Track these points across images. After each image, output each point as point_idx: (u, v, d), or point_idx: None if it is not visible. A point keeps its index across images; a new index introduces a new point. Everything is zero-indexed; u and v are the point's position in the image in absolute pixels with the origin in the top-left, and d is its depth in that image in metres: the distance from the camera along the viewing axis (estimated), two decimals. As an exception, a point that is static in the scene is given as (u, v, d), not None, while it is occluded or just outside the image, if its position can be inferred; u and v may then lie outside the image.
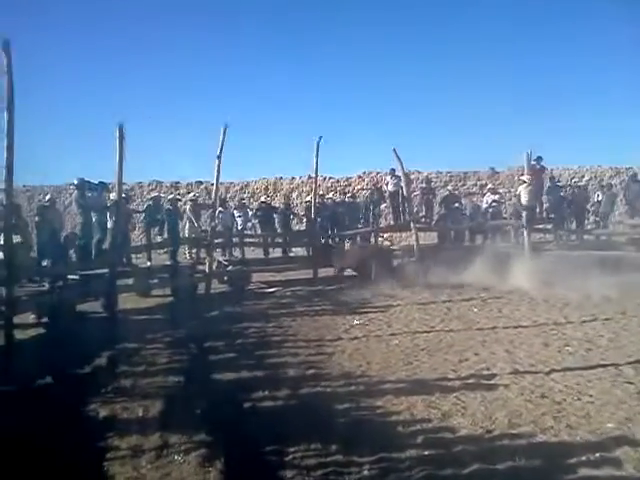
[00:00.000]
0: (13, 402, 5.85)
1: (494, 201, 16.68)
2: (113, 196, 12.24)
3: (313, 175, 16.00)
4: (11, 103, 6.89)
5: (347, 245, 16.23)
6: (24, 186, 23.80)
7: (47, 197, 15.37)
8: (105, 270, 10.52)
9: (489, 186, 19.24)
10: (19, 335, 7.80)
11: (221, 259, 14.10)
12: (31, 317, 9.38)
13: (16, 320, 7.75)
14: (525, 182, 14.61)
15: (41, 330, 9.17)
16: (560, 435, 4.74)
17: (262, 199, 18.29)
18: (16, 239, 9.59)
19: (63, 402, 5.74)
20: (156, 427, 5.07)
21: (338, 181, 24.55)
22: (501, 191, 19.73)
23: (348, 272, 14.48)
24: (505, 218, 17.14)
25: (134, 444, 4.74)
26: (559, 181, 18.58)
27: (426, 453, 4.45)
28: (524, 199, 14.44)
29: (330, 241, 16.60)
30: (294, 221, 17.47)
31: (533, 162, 15.49)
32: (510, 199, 19.80)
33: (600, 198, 17.40)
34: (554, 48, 51.90)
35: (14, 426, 5.02)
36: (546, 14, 49.95)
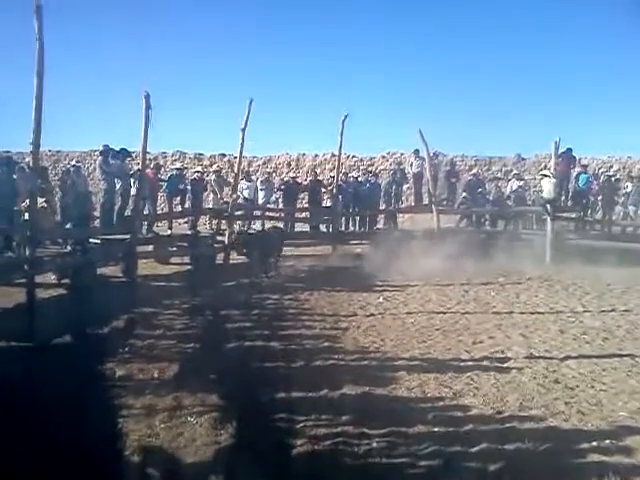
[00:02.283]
0: (33, 357, 6.00)
1: (519, 187, 16.49)
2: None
3: (337, 152, 15.94)
4: (41, 68, 6.93)
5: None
6: (50, 150, 24.02)
7: (73, 162, 15.59)
8: (126, 236, 10.64)
9: (514, 172, 18.97)
10: (40, 294, 7.93)
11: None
12: (52, 277, 9.55)
13: (38, 280, 7.87)
14: (548, 176, 14.34)
15: (62, 291, 9.33)
16: (571, 420, 4.73)
17: (290, 174, 18.32)
18: (41, 202, 9.76)
19: (81, 360, 5.86)
20: (170, 389, 5.16)
21: (361, 160, 24.34)
22: (526, 177, 19.44)
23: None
24: (528, 205, 16.93)
25: (148, 404, 4.85)
26: (588, 170, 18.19)
27: (436, 430, 4.47)
28: (546, 192, 14.21)
29: (350, 220, 16.61)
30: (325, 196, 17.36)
31: (562, 152, 15.22)
32: (535, 186, 19.55)
33: (629, 189, 17.09)
34: (589, 32, 50.35)
35: (33, 380, 5.16)
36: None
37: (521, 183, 16.87)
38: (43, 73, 6.97)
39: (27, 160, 13.05)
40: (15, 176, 11.41)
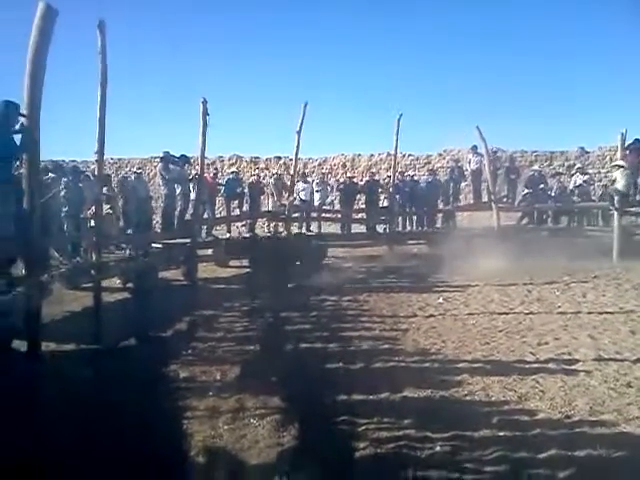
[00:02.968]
0: (101, 360, 6.21)
1: (584, 181, 15.90)
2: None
3: (392, 152, 15.84)
4: (104, 80, 7.20)
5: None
6: (112, 158, 24.85)
7: (135, 169, 16.07)
8: (186, 240, 10.89)
9: (577, 166, 18.34)
10: (106, 298, 8.19)
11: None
12: (117, 282, 9.86)
13: (104, 284, 8.14)
14: (621, 166, 13.74)
15: (126, 294, 9.64)
16: (646, 426, 4.51)
17: (346, 175, 18.31)
18: (106, 208, 10.12)
19: (146, 362, 6.04)
20: (233, 391, 5.23)
21: (417, 158, 24.13)
22: (590, 171, 18.77)
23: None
24: (593, 200, 16.33)
25: (212, 405, 4.93)
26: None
27: (501, 434, 4.35)
28: (620, 184, 13.60)
29: (407, 219, 16.46)
30: (382, 196, 17.25)
31: (629, 143, 14.58)
32: (600, 180, 18.85)
33: None
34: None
35: (101, 382, 5.34)
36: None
37: (585, 177, 16.27)
38: (106, 85, 7.23)
39: (92, 168, 13.55)
40: (81, 184, 11.87)
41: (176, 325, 7.84)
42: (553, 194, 16.18)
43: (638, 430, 4.43)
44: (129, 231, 12.99)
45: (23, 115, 6.05)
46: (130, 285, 9.98)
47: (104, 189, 9.88)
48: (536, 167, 18.08)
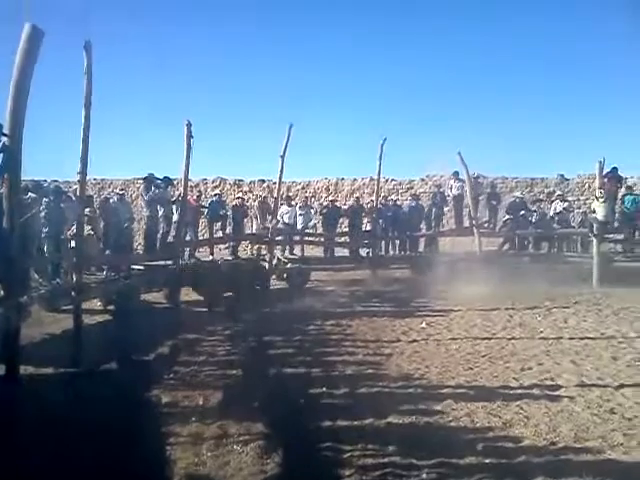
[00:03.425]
0: (80, 383, 6.08)
1: (564, 208, 16.10)
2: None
3: (375, 177, 15.93)
4: (89, 101, 7.17)
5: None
6: (95, 179, 24.66)
7: (118, 190, 15.97)
8: (169, 262, 10.79)
9: (557, 193, 18.61)
10: (87, 320, 8.07)
11: (281, 256, 14.21)
12: (98, 304, 9.73)
13: (84, 306, 8.02)
14: (600, 197, 13.97)
15: (107, 317, 9.50)
16: (631, 453, 4.49)
17: (329, 199, 18.34)
18: (87, 229, 10.00)
19: (127, 386, 5.92)
20: (216, 416, 5.15)
21: (400, 183, 24.33)
22: (570, 199, 19.05)
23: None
24: (573, 226, 16.54)
25: (194, 431, 4.84)
26: (635, 190, 17.69)
27: (487, 461, 4.32)
28: (600, 215, 13.83)
29: (390, 243, 16.51)
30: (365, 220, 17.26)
31: (607, 172, 14.86)
32: (579, 207, 19.11)
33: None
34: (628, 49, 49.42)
35: (81, 407, 5.22)
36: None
37: (565, 205, 16.47)
38: (90, 106, 7.20)
39: (74, 188, 13.41)
40: (62, 205, 11.71)
41: (158, 348, 7.73)
42: (534, 220, 16.34)
43: (623, 457, 4.43)
44: (108, 252, 12.85)
45: (5, 135, 6.00)
46: (111, 307, 9.84)
47: (86, 210, 9.76)
48: (517, 193, 18.30)
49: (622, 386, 6.11)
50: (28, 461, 4.07)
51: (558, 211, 16.16)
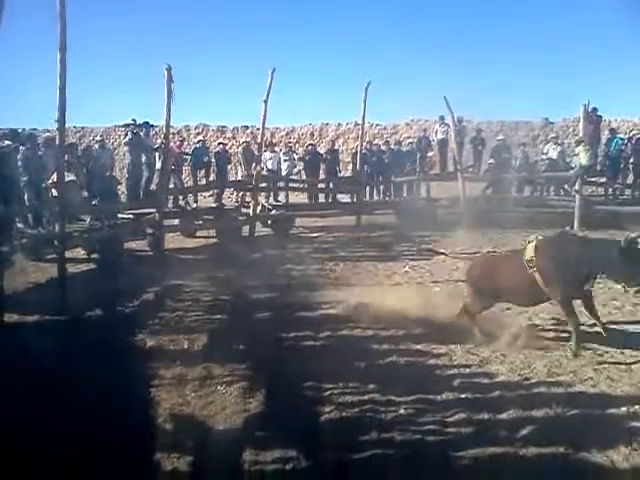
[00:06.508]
0: (66, 331, 6.15)
1: (559, 152, 15.85)
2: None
3: (360, 121, 15.73)
4: (63, 44, 6.94)
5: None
6: (75, 127, 24.21)
7: (98, 137, 15.72)
8: (152, 210, 10.72)
9: (551, 135, 18.39)
10: (71, 269, 8.08)
11: (265, 203, 14.16)
12: (82, 253, 9.71)
13: (68, 255, 8.01)
14: (582, 141, 13.85)
15: (91, 265, 9.51)
16: (599, 386, 4.71)
17: (309, 143, 18.13)
18: (69, 177, 9.86)
19: (112, 332, 6.01)
20: (200, 359, 5.27)
21: (385, 128, 24.09)
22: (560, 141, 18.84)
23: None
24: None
25: (179, 373, 4.96)
26: (618, 133, 17.58)
27: (463, 396, 4.50)
28: (584, 159, 13.77)
29: (375, 189, 16.47)
30: (339, 167, 17.17)
31: (590, 113, 14.72)
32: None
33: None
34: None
35: (66, 351, 5.30)
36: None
37: (559, 149, 16.22)
38: (66, 48, 6.99)
39: (53, 136, 13.15)
40: (41, 152, 11.49)
41: (143, 295, 7.78)
42: (517, 164, 16.26)
43: (591, 389, 4.64)
44: (94, 202, 12.73)
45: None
46: (95, 256, 9.84)
47: (66, 157, 9.60)
48: (501, 137, 18.14)
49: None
50: (13, 407, 4.14)
51: (550, 155, 15.92)
